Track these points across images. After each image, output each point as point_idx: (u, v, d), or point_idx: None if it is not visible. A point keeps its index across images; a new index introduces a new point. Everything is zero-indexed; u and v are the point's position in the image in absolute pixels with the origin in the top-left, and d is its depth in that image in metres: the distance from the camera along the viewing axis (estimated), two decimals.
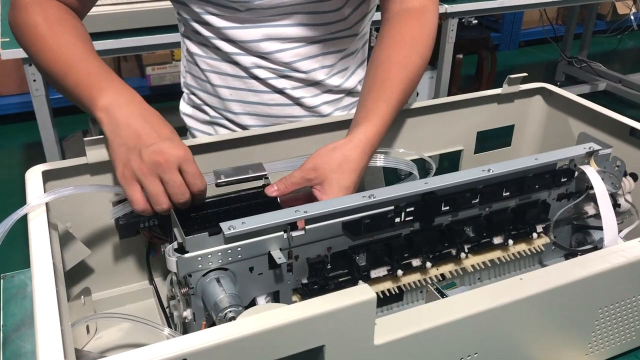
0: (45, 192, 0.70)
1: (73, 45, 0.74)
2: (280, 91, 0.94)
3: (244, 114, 0.96)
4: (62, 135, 2.28)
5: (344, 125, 0.89)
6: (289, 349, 0.53)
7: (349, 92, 1.01)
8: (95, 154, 0.75)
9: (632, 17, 3.65)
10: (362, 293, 0.54)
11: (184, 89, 1.02)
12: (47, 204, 0.68)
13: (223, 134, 0.93)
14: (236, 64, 0.92)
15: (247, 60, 0.91)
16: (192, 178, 0.68)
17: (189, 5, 0.88)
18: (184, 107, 1.03)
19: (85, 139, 0.74)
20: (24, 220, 0.66)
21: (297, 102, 0.95)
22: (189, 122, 1.03)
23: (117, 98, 0.69)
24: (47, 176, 0.74)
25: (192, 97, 1.00)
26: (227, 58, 0.92)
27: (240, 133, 0.86)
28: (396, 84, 0.82)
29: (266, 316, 0.51)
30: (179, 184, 0.67)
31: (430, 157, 0.92)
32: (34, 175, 0.73)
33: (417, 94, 2.92)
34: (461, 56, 3.30)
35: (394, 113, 0.82)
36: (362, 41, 1.01)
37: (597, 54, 4.03)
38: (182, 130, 0.99)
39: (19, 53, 1.81)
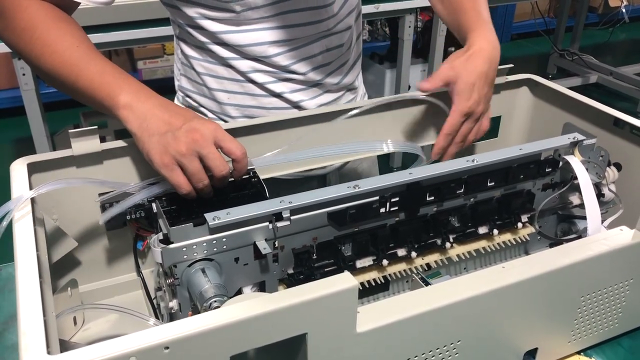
0: (30, 184, 0.70)
1: (77, 47, 0.74)
2: (278, 95, 0.93)
3: (241, 117, 0.95)
4: (54, 130, 2.27)
5: (328, 117, 0.89)
6: (271, 337, 0.53)
7: (348, 88, 1.01)
8: (81, 146, 0.74)
9: (623, 10, 3.65)
10: (344, 281, 0.54)
11: (178, 91, 1.01)
12: None
13: None
14: (233, 68, 0.91)
15: (244, 64, 0.90)
16: (230, 144, 0.70)
17: (183, 10, 0.87)
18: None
19: (70, 130, 0.73)
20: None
21: (295, 105, 0.94)
22: None
23: (136, 94, 0.71)
24: (33, 168, 0.73)
25: (188, 99, 0.99)
26: (224, 62, 0.91)
27: (225, 125, 0.86)
28: None
29: (248, 304, 0.52)
30: (218, 156, 0.69)
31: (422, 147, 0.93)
32: (19, 168, 0.72)
33: (410, 87, 2.92)
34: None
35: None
36: (356, 34, 1.01)
37: (588, 46, 4.04)
38: None
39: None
